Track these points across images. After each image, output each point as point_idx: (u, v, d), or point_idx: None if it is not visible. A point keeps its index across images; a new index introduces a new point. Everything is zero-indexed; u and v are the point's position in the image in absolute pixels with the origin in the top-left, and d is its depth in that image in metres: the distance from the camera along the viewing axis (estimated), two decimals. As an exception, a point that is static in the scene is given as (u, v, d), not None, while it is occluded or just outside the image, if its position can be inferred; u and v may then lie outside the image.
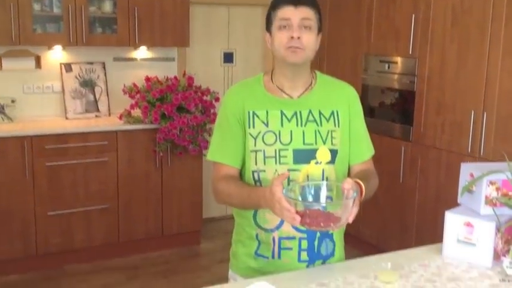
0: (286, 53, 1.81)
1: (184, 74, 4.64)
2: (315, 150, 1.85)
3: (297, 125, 1.85)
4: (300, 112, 1.86)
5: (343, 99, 1.93)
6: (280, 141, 1.84)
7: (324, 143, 1.85)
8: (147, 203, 4.42)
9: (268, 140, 1.84)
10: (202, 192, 4.62)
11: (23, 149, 3.93)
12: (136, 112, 4.38)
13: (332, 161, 1.87)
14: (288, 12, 1.79)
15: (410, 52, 4.04)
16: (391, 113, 4.28)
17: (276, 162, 1.83)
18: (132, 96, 4.40)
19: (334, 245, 1.92)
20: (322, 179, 1.85)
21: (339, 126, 1.89)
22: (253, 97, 1.89)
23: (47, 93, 4.52)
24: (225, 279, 2.01)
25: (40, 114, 4.48)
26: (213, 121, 4.42)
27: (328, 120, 1.88)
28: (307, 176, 1.84)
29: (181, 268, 4.28)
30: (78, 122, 4.35)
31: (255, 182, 1.85)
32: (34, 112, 4.45)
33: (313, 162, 1.84)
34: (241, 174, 1.91)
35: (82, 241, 4.22)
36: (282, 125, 1.85)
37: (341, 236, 1.97)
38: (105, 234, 4.30)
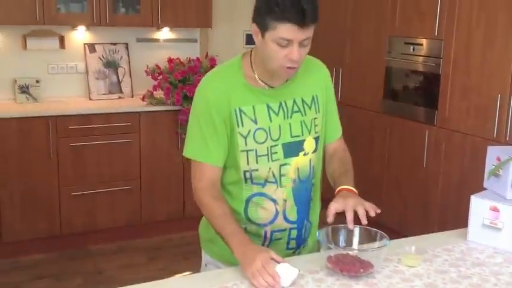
0: (280, 70, 1.70)
1: (206, 56, 4.62)
2: (302, 142, 1.82)
3: (284, 117, 1.79)
4: (285, 103, 1.80)
5: (320, 82, 1.89)
6: (270, 137, 1.78)
7: (309, 133, 1.83)
8: (169, 184, 4.45)
9: (259, 138, 1.77)
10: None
11: (48, 129, 3.97)
12: (159, 93, 4.39)
13: (315, 149, 1.86)
14: (291, 33, 1.61)
15: (436, 34, 3.97)
16: (415, 96, 4.22)
17: (268, 160, 1.78)
18: (154, 78, 4.40)
19: (311, 228, 1.94)
20: (310, 170, 1.85)
21: (319, 111, 1.86)
22: (237, 92, 1.76)
23: (70, 73, 4.55)
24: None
25: (64, 94, 4.51)
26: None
27: (310, 108, 1.84)
28: (298, 169, 1.83)
29: (202, 249, 4.30)
30: (102, 103, 4.38)
31: (246, 180, 1.80)
32: (58, 92, 4.49)
33: (301, 154, 1.83)
34: (224, 169, 1.83)
35: (105, 221, 4.27)
36: (270, 120, 1.78)
37: (317, 217, 1.97)
38: (128, 215, 4.34)
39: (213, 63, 4.48)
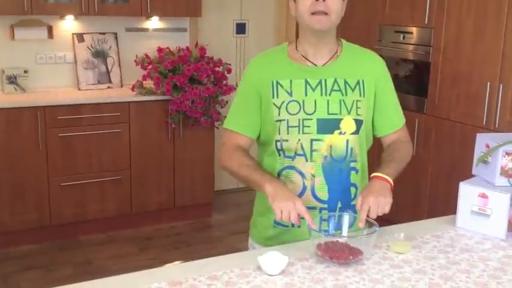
0: (310, 20, 1.77)
1: (196, 45, 4.60)
2: (339, 120, 1.82)
3: (322, 94, 1.82)
4: (325, 80, 1.83)
5: (370, 70, 1.90)
6: (304, 110, 1.81)
7: (349, 112, 1.83)
8: (160, 174, 4.43)
9: (291, 110, 1.82)
10: (214, 165, 4.62)
11: (36, 120, 3.94)
12: (149, 83, 4.36)
13: (357, 131, 1.85)
14: None
15: (426, 22, 3.97)
16: (405, 84, 4.22)
17: (299, 132, 1.82)
18: (144, 67, 4.38)
19: (355, 217, 1.90)
20: (346, 151, 1.84)
21: (364, 96, 1.86)
22: (277, 66, 1.87)
23: (59, 63, 4.50)
24: (237, 250, 2.02)
25: (53, 84, 4.47)
26: (225, 92, 4.40)
27: (353, 90, 1.85)
28: (331, 146, 1.83)
29: (193, 240, 4.31)
30: (91, 93, 4.35)
31: (278, 151, 1.85)
32: (47, 83, 4.45)
33: (336, 132, 1.83)
34: (260, 143, 1.93)
35: (95, 212, 4.25)
36: (306, 94, 1.82)
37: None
38: (118, 205, 4.33)
39: (202, 53, 4.46)
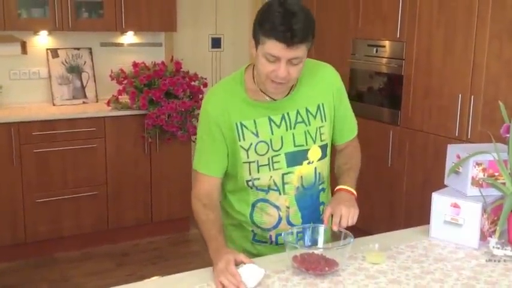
0: (268, 83, 1.73)
1: (171, 60, 4.61)
2: (306, 151, 1.86)
3: (287, 129, 1.83)
4: (288, 114, 1.83)
5: (327, 89, 1.90)
6: (272, 148, 1.83)
7: (314, 142, 1.87)
8: (136, 189, 4.41)
9: (260, 151, 1.83)
10: (191, 179, 4.61)
11: (10, 136, 3.90)
12: (124, 98, 4.35)
13: (323, 156, 1.90)
14: (277, 50, 1.64)
15: (398, 36, 4.04)
16: (379, 97, 4.28)
17: (269, 169, 1.84)
18: (119, 82, 4.37)
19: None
20: (315, 177, 1.89)
21: (326, 119, 1.89)
22: (238, 106, 1.81)
23: (33, 79, 4.47)
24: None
25: (27, 100, 4.43)
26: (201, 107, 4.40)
27: (315, 117, 1.86)
28: (301, 177, 1.87)
29: (171, 254, 4.29)
30: (66, 109, 4.32)
31: (250, 187, 1.87)
32: (21, 98, 4.41)
33: (305, 162, 1.86)
34: (227, 175, 1.91)
35: (71, 228, 4.21)
36: (272, 133, 1.82)
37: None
38: (94, 221, 4.29)
39: (178, 67, 4.47)
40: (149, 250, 4.35)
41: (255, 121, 1.81)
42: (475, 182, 1.93)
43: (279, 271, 1.69)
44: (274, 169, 1.84)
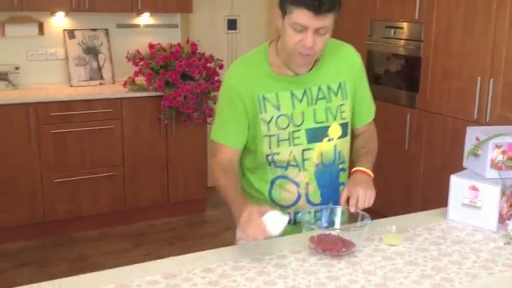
0: (294, 54, 1.74)
1: (187, 41, 4.60)
2: (326, 128, 1.87)
3: (308, 104, 1.84)
4: (310, 89, 1.84)
5: (349, 68, 1.92)
6: (293, 123, 1.84)
7: (335, 119, 1.87)
8: (153, 170, 4.44)
9: (281, 124, 1.84)
10: (207, 160, 4.62)
11: (28, 117, 3.93)
12: (141, 79, 4.36)
13: (344, 134, 1.91)
14: (305, 19, 1.64)
15: (416, 17, 3.98)
16: (396, 79, 4.24)
17: (289, 144, 1.85)
18: (135, 64, 4.37)
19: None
20: (335, 155, 1.90)
21: (346, 98, 1.90)
22: (261, 79, 1.83)
23: (50, 60, 4.49)
24: (231, 245, 2.01)
25: (44, 81, 4.46)
26: (217, 88, 4.39)
27: (336, 94, 1.87)
28: (321, 154, 1.87)
29: (187, 235, 4.32)
30: (83, 90, 4.34)
31: (269, 163, 1.87)
32: (38, 79, 4.44)
33: (325, 139, 1.87)
34: (246, 150, 1.91)
35: (89, 208, 4.25)
36: (293, 107, 1.83)
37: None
38: (112, 202, 4.33)
39: (194, 49, 4.46)
40: (166, 231, 4.38)
41: (277, 94, 1.82)
42: (494, 165, 1.92)
43: (296, 251, 1.69)
44: (294, 144, 1.84)
